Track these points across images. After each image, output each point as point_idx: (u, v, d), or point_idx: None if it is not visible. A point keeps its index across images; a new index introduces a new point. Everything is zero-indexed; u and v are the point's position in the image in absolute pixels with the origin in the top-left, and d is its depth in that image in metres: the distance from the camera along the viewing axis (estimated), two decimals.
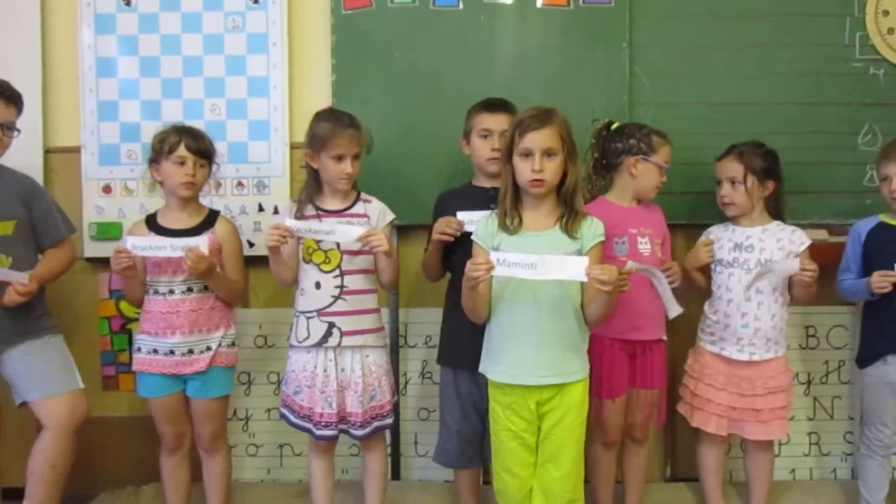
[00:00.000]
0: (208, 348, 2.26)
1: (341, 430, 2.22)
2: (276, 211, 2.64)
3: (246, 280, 2.38)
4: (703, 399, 2.33)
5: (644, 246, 2.25)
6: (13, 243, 2.25)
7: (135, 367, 2.29)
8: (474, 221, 2.08)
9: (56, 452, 2.22)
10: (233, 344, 2.33)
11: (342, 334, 2.18)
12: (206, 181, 2.31)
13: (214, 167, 2.33)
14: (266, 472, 2.73)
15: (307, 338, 2.20)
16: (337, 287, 2.19)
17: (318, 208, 2.22)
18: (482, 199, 2.18)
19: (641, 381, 2.28)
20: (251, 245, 2.64)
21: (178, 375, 2.25)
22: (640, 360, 2.27)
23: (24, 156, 2.60)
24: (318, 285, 2.20)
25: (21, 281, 2.16)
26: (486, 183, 2.26)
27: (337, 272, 2.19)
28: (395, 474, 2.71)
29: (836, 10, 2.60)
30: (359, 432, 2.20)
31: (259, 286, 2.71)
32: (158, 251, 2.17)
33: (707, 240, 2.38)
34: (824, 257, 2.36)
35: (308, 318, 2.21)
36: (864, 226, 2.35)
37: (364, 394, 2.19)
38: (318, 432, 2.20)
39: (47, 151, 2.68)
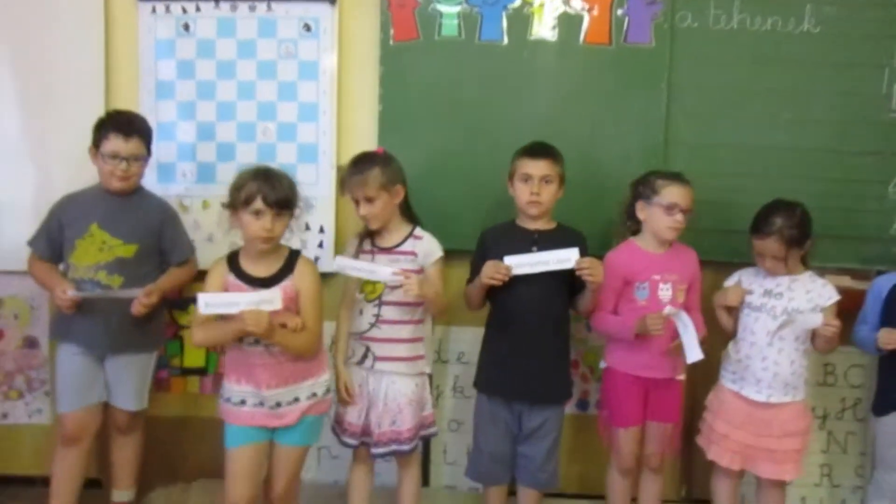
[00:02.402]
0: (296, 399, 2.23)
1: (362, 442, 2.39)
2: (321, 230, 2.79)
3: (320, 326, 2.28)
4: (720, 434, 2.44)
5: (665, 292, 2.37)
6: (130, 265, 2.45)
7: (223, 417, 2.24)
8: (524, 265, 2.22)
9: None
10: (327, 391, 2.30)
11: (375, 359, 2.35)
12: (286, 230, 2.22)
13: (297, 211, 2.25)
14: (304, 471, 2.91)
15: (352, 356, 2.40)
16: (374, 315, 2.35)
17: (373, 244, 2.38)
18: (525, 241, 2.33)
19: (656, 415, 2.42)
20: None
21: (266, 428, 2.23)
22: (655, 395, 2.41)
23: (89, 172, 2.78)
24: (360, 312, 2.38)
25: (138, 296, 2.37)
26: (529, 224, 2.39)
27: (377, 302, 2.35)
28: (425, 481, 2.87)
29: (875, 60, 2.66)
30: (375, 451, 2.36)
31: None
32: (231, 308, 2.09)
33: (739, 287, 2.44)
34: (846, 302, 2.45)
35: (353, 339, 2.40)
36: (885, 282, 2.42)
37: (384, 417, 2.34)
38: (343, 438, 2.40)
39: None
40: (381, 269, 2.27)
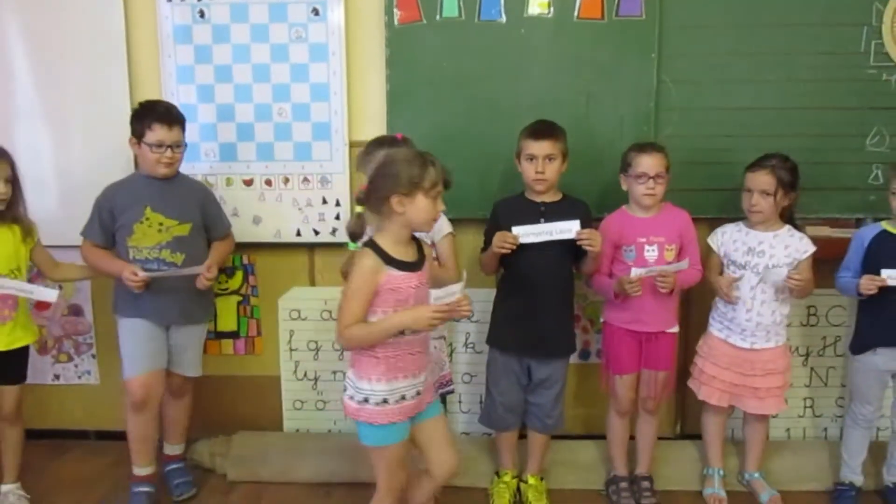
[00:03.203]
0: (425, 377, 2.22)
1: None
2: (337, 203, 3.00)
3: None
4: (709, 376, 2.70)
5: (651, 253, 2.58)
6: (188, 242, 2.68)
7: (370, 420, 2.09)
8: (529, 234, 2.44)
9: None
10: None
11: None
12: None
13: None
14: (333, 423, 3.21)
15: None
16: None
17: None
18: (533, 213, 2.54)
19: (650, 364, 2.67)
20: (316, 233, 3.02)
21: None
22: (648, 347, 2.65)
23: (117, 154, 2.98)
24: None
25: (202, 272, 2.63)
26: (536, 197, 2.58)
27: None
28: None
29: (853, 19, 2.79)
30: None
31: (324, 268, 3.10)
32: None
33: (732, 280, 2.62)
34: (825, 250, 2.66)
35: None
36: (867, 233, 2.59)
37: (435, 366, 2.52)
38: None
39: None
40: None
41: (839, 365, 3.08)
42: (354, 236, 2.13)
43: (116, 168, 2.90)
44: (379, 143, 2.49)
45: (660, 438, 2.92)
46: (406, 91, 2.88)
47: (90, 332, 3.24)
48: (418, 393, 2.13)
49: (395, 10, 2.82)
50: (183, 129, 2.66)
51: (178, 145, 2.64)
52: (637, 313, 2.61)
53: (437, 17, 2.82)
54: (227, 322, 3.19)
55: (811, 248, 2.59)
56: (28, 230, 2.60)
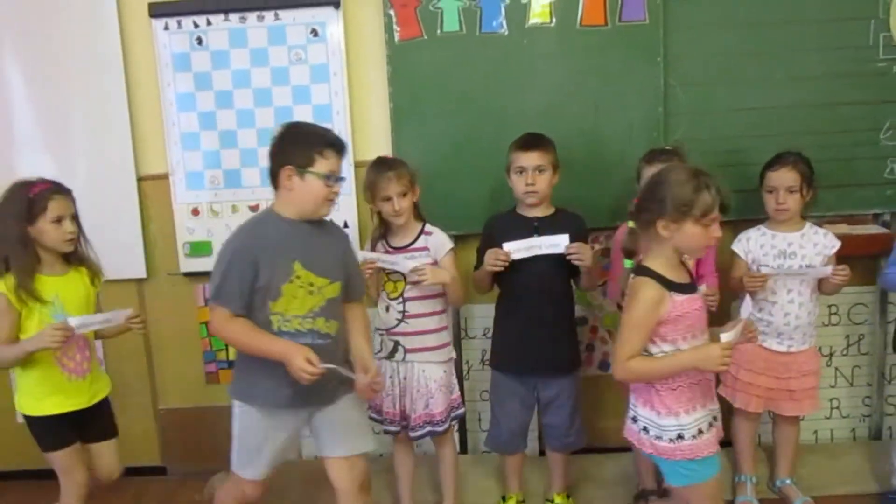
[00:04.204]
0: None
1: (403, 427, 2.59)
2: (345, 225, 2.95)
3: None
4: (745, 383, 2.60)
5: None
6: (338, 306, 2.18)
7: (686, 456, 1.96)
8: (520, 250, 2.39)
9: None
10: None
11: (406, 351, 2.54)
12: None
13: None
14: None
15: (380, 351, 2.58)
16: (400, 312, 2.52)
17: (387, 244, 2.54)
18: (527, 228, 2.48)
19: None
20: None
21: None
22: None
23: (120, 184, 2.96)
24: (387, 309, 2.55)
25: (367, 381, 2.12)
26: (528, 212, 2.53)
27: (400, 299, 2.52)
28: (464, 449, 3.11)
29: (861, 13, 2.74)
30: (413, 433, 2.57)
31: None
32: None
33: (759, 276, 2.51)
34: (847, 247, 2.59)
35: (380, 335, 2.58)
36: None
37: (418, 402, 2.53)
38: (385, 427, 2.60)
39: (140, 179, 3.00)
40: (402, 261, 2.45)
41: (864, 363, 3.02)
42: (629, 253, 2.08)
43: (120, 200, 2.88)
44: (382, 163, 2.49)
45: None
46: (410, 108, 2.84)
47: None
48: (715, 419, 2.03)
49: (396, 28, 2.79)
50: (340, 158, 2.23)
51: (343, 178, 2.17)
52: None
53: (438, 31, 2.79)
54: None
55: (837, 243, 2.53)
56: (96, 272, 2.39)
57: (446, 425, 2.58)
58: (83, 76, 2.91)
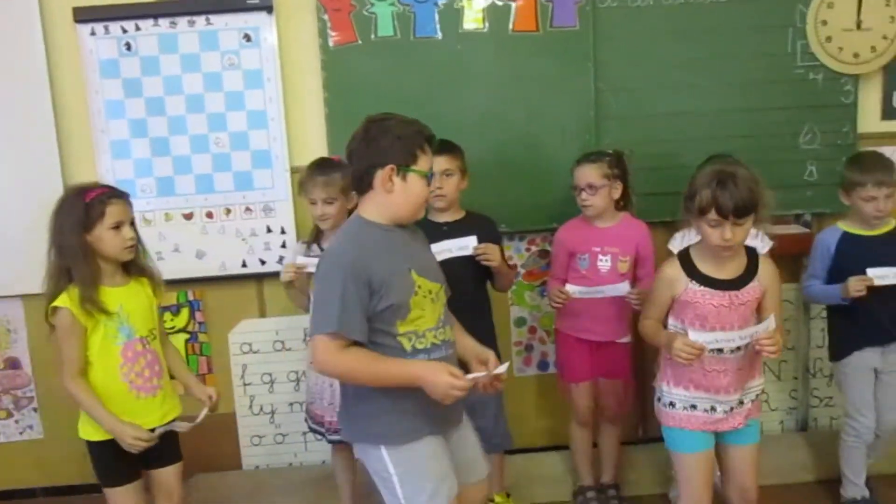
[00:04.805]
0: (741, 402, 2.14)
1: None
2: (283, 231, 2.93)
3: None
4: None
5: (604, 263, 2.58)
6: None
7: (664, 422, 2.17)
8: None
9: None
10: (761, 392, 2.22)
11: None
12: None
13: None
14: (293, 456, 3.12)
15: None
16: None
17: (321, 248, 2.51)
18: (437, 233, 2.42)
19: (604, 372, 2.67)
20: (263, 263, 2.95)
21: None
22: (601, 355, 2.65)
23: (46, 195, 2.84)
24: None
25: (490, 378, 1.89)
26: (438, 217, 2.52)
27: None
28: None
29: (780, 21, 2.86)
30: None
31: (272, 298, 3.02)
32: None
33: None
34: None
35: None
36: (830, 237, 2.54)
37: None
38: (329, 437, 2.56)
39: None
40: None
41: (790, 358, 3.14)
42: None
43: (46, 211, 2.77)
44: (317, 166, 2.48)
45: (624, 443, 2.94)
46: (345, 113, 2.81)
47: (30, 384, 3.08)
48: (713, 409, 2.10)
49: (330, 32, 2.78)
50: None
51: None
52: (589, 322, 2.61)
53: (373, 36, 2.79)
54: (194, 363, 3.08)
55: (770, 243, 2.58)
56: (158, 282, 2.23)
57: None
58: (5, 83, 2.81)
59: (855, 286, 2.39)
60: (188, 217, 2.92)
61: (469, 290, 2.49)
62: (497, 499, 2.73)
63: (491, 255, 2.42)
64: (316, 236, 2.55)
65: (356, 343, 1.78)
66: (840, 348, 2.61)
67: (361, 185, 1.86)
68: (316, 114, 2.86)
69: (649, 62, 2.87)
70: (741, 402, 2.13)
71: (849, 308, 2.49)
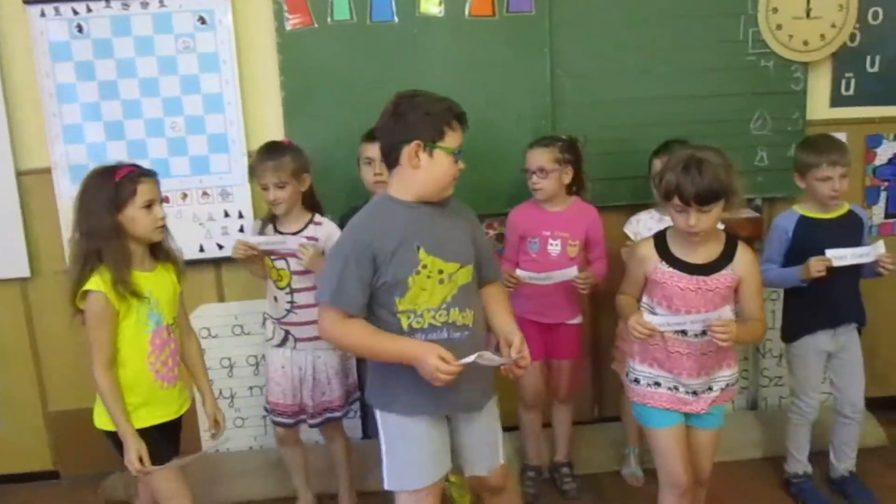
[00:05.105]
0: (710, 389, 2.13)
1: (299, 421, 2.59)
2: (240, 215, 2.92)
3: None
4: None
5: (554, 247, 2.62)
6: (471, 292, 1.96)
7: (632, 397, 2.21)
8: None
9: None
10: (735, 381, 2.18)
11: (297, 340, 2.53)
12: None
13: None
14: (253, 439, 3.14)
15: (272, 339, 2.58)
16: (289, 303, 2.51)
17: (276, 230, 2.53)
18: None
19: (556, 353, 2.72)
20: (220, 247, 2.94)
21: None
22: (552, 336, 2.70)
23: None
24: (275, 299, 2.54)
25: (511, 362, 1.90)
26: None
27: (288, 290, 2.51)
28: (366, 434, 3.11)
29: (732, 9, 2.90)
30: (311, 421, 2.57)
31: (230, 283, 3.02)
32: None
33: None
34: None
35: (273, 322, 2.57)
36: (787, 221, 2.57)
37: (315, 389, 2.54)
38: (276, 419, 2.58)
39: (19, 174, 2.87)
40: (291, 239, 2.43)
41: None
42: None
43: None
44: (266, 150, 2.47)
45: (578, 423, 3.00)
46: (302, 97, 2.83)
47: None
48: (675, 388, 2.11)
49: (286, 15, 2.76)
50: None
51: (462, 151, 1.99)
52: (539, 306, 2.65)
53: (329, 20, 2.78)
54: None
55: (720, 227, 2.66)
56: (182, 268, 2.19)
57: (344, 410, 2.60)
58: None
59: (816, 266, 2.41)
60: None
61: None
62: (451, 478, 2.77)
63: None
64: (272, 217, 2.54)
65: None
66: (793, 331, 2.65)
67: (389, 160, 1.89)
68: (273, 97, 2.85)
69: (605, 48, 2.89)
70: (710, 389, 2.13)
71: (803, 291, 2.53)
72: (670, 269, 2.07)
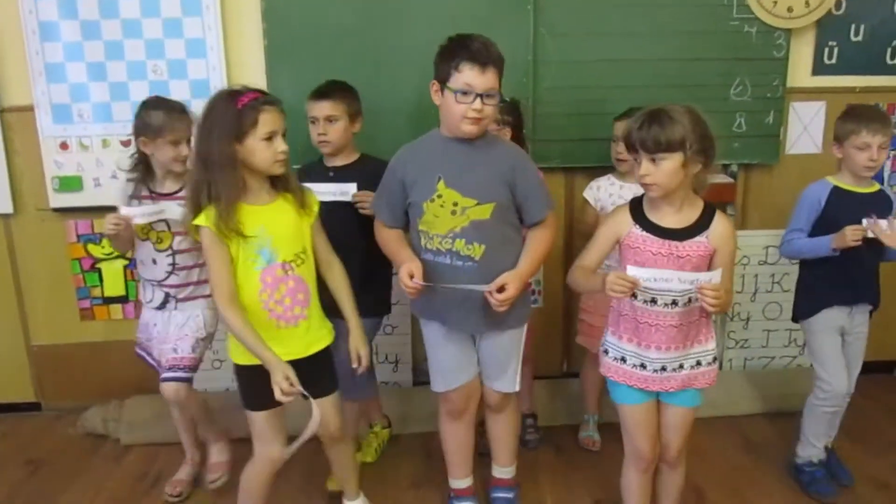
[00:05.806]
0: (681, 366, 2.04)
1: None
2: None
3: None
4: (597, 328, 2.68)
5: None
6: (489, 228, 2.08)
7: (604, 371, 2.14)
8: (324, 193, 2.29)
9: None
10: (713, 360, 2.08)
11: (178, 301, 2.49)
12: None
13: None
14: (231, 381, 3.18)
15: (151, 301, 2.52)
16: (170, 265, 2.45)
17: (151, 191, 2.43)
18: (323, 178, 2.43)
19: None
20: None
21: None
22: None
23: None
24: (154, 261, 2.46)
25: (490, 289, 2.03)
26: (328, 162, 2.50)
27: (169, 251, 2.44)
28: None
29: None
30: (164, 374, 2.45)
31: None
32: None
33: None
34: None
35: (151, 285, 2.50)
36: (820, 190, 2.46)
37: (181, 343, 2.46)
38: (164, 374, 2.46)
39: (2, 111, 2.90)
40: (173, 207, 2.32)
41: None
42: None
43: None
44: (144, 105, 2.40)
45: (548, 377, 3.08)
46: (285, 45, 2.84)
47: None
48: (643, 366, 2.04)
49: None
50: (499, 74, 2.05)
51: (492, 95, 2.01)
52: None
53: None
54: (115, 287, 3.13)
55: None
56: (303, 199, 2.06)
57: (192, 373, 2.49)
58: None
59: (853, 234, 2.32)
60: (126, 144, 2.90)
61: (354, 235, 2.40)
62: (375, 428, 2.83)
63: (366, 203, 2.36)
64: (143, 176, 2.42)
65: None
66: (809, 306, 2.55)
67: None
68: (255, 45, 2.86)
69: (588, 8, 2.90)
70: (681, 367, 2.03)
71: (823, 265, 2.45)
72: (644, 232, 1.99)
